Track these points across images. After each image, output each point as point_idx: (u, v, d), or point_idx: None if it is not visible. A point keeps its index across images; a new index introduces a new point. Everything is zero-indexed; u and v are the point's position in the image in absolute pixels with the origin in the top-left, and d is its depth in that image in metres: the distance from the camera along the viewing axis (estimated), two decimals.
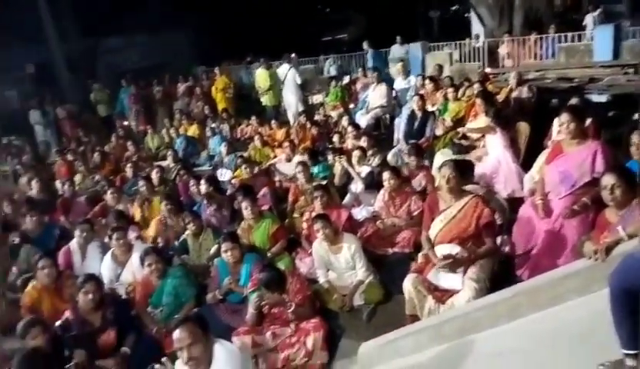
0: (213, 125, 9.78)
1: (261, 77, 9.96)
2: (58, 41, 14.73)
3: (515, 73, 7.39)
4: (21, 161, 9.97)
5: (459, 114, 6.73)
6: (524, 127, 5.44)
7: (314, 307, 3.76)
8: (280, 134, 8.53)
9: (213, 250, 4.66)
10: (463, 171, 3.52)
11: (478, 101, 5.86)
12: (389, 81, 8.85)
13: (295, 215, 5.47)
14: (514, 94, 6.89)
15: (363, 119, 8.03)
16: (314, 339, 3.40)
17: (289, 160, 7.09)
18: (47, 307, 4.11)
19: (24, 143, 11.27)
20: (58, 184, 7.93)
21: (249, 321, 3.65)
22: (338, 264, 4.07)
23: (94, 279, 3.73)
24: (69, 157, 9.07)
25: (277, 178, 6.77)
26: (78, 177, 7.86)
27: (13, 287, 4.74)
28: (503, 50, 12.12)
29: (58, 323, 3.70)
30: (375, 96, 8.26)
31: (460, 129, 5.97)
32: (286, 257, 4.62)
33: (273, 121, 8.93)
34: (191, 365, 2.48)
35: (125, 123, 11.71)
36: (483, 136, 5.44)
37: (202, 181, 5.74)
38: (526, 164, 4.95)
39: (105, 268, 4.52)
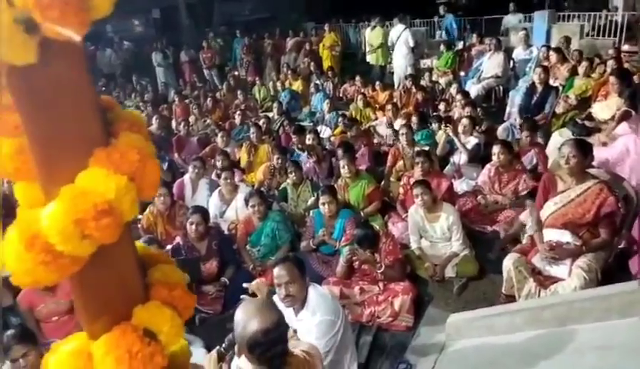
0: (317, 82, 9.87)
1: (374, 34, 9.80)
2: None
3: None
4: (143, 98, 10.92)
5: (586, 92, 6.10)
6: None
7: (404, 271, 3.76)
8: (383, 96, 8.39)
9: (310, 201, 4.82)
10: (586, 152, 3.22)
11: (612, 79, 5.24)
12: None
13: (392, 179, 5.44)
14: None
15: (473, 88, 7.61)
16: (401, 301, 3.42)
17: (390, 123, 7.00)
18: (160, 230, 4.56)
19: (147, 82, 12.30)
20: (174, 123, 8.61)
21: (339, 273, 3.76)
22: (433, 233, 4.01)
23: (200, 211, 4.03)
24: (185, 99, 9.76)
25: (376, 140, 6.73)
26: (191, 119, 8.45)
27: None
28: None
29: (169, 246, 4.10)
30: (489, 65, 7.76)
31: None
32: (379, 218, 4.64)
33: (377, 83, 8.79)
34: (286, 302, 2.62)
35: (236, 72, 12.24)
36: (612, 119, 4.90)
37: (308, 134, 5.87)
38: None
39: (211, 204, 4.88)
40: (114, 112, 0.73)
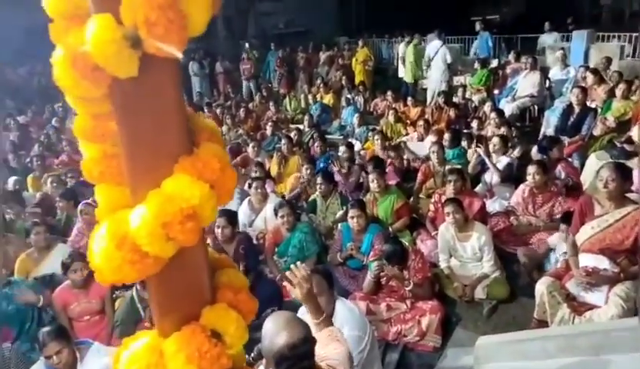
0: (348, 96, 9.93)
1: (410, 50, 9.76)
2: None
3: None
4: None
5: (625, 115, 5.92)
6: None
7: (432, 290, 3.71)
8: (414, 112, 8.36)
9: (339, 214, 4.82)
10: (625, 176, 3.13)
11: None
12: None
13: (422, 196, 5.40)
14: None
15: (507, 107, 7.50)
16: (429, 320, 3.37)
17: (421, 139, 6.96)
18: None
19: (182, 92, 12.62)
20: None
21: (366, 288, 3.74)
22: (464, 253, 3.95)
23: (226, 215, 4.05)
24: (218, 109, 9.97)
25: (406, 156, 6.69)
26: (224, 129, 8.61)
27: None
28: None
29: None
30: (525, 84, 7.64)
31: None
32: (408, 235, 4.60)
33: (409, 99, 8.77)
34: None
35: (269, 84, 12.45)
36: None
37: (341, 146, 5.92)
38: None
39: (241, 213, 4.94)
40: (194, 122, 0.77)
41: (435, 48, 9.06)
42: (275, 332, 1.73)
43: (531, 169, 4.23)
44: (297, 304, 2.75)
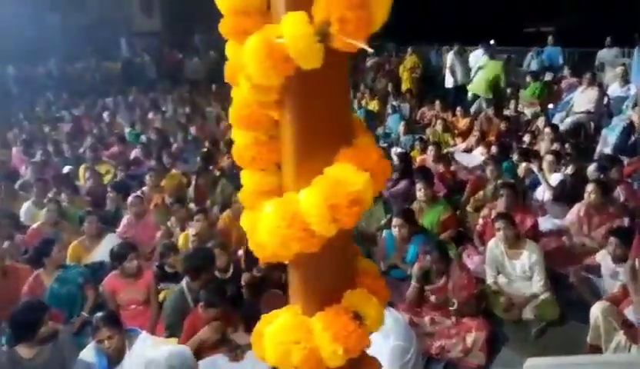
0: (394, 103, 9.83)
1: (503, 66, 8.87)
2: None
3: None
4: (224, 105, 11.39)
5: None
6: None
7: (478, 306, 3.61)
8: (463, 122, 8.20)
9: (383, 221, 4.78)
10: None
11: None
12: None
13: (469, 209, 5.27)
14: None
15: (562, 122, 7.23)
16: (474, 337, 3.27)
17: (469, 150, 6.81)
18: (235, 236, 4.70)
19: (228, 91, 12.85)
20: None
21: (409, 297, 3.67)
22: (512, 270, 3.82)
23: None
24: None
25: (453, 167, 6.56)
26: None
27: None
28: None
29: (240, 251, 4.23)
30: (581, 99, 7.35)
31: None
32: (453, 248, 4.49)
33: (458, 108, 8.59)
34: None
35: None
36: None
37: (394, 156, 5.94)
38: None
39: None
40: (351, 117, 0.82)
41: (477, 57, 8.86)
42: None
43: (589, 188, 4.06)
44: None
